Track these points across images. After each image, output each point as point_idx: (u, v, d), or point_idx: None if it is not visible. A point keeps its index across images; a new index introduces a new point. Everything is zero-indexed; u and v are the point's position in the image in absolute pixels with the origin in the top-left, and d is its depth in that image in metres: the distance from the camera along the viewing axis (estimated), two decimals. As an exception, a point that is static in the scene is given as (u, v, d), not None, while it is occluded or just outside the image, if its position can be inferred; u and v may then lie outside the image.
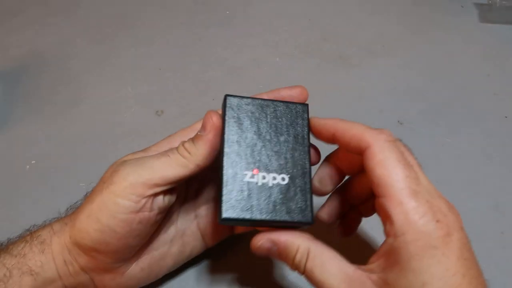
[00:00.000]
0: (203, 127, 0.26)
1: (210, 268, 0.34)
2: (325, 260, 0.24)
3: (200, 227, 0.31)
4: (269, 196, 0.25)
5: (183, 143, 0.27)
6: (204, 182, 0.31)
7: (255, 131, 0.26)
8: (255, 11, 0.58)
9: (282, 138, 0.26)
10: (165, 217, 0.29)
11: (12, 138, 0.43)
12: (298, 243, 0.24)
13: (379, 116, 0.46)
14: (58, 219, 0.29)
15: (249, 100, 0.27)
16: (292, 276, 0.33)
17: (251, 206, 0.24)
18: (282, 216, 0.24)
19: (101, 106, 0.46)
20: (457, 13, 0.59)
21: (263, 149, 0.26)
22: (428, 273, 0.20)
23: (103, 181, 0.26)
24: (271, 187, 0.25)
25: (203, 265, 0.34)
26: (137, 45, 0.53)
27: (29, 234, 0.28)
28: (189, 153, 0.26)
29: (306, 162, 0.26)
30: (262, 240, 0.25)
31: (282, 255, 0.25)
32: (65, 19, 0.56)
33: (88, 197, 0.27)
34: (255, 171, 0.25)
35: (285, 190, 0.25)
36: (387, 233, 0.22)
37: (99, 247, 0.26)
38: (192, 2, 0.60)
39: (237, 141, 0.26)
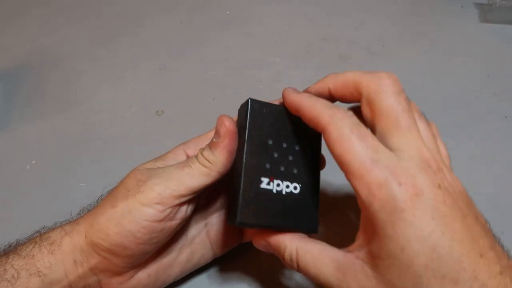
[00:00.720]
0: (217, 134, 0.27)
1: (219, 277, 0.34)
2: (315, 254, 0.24)
3: (209, 236, 0.31)
4: (282, 204, 0.26)
5: (201, 151, 0.27)
6: (214, 190, 0.31)
7: (273, 139, 0.26)
8: (255, 11, 0.58)
9: (297, 148, 0.27)
10: None
11: (13, 138, 0.43)
12: (286, 243, 0.25)
13: (379, 116, 0.45)
14: (70, 221, 0.29)
15: (271, 107, 0.27)
16: (304, 282, 0.33)
17: (266, 212, 0.25)
18: (292, 225, 0.26)
19: (101, 106, 0.46)
20: (457, 13, 0.58)
21: (279, 157, 0.26)
22: (403, 237, 0.20)
23: (126, 189, 0.27)
24: (284, 196, 0.26)
25: (211, 272, 0.33)
26: (137, 45, 0.53)
27: (39, 236, 0.28)
28: (209, 162, 0.26)
29: (317, 175, 0.27)
30: (259, 239, 0.27)
31: (275, 253, 0.26)
32: (66, 19, 0.56)
33: (107, 200, 0.27)
34: (271, 178, 0.26)
35: (297, 199, 0.26)
36: (360, 207, 0.22)
37: (116, 250, 0.26)
38: (192, 2, 0.60)
39: (256, 148, 0.26)
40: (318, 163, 0.27)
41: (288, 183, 0.26)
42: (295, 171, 0.26)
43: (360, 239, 0.23)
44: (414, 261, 0.20)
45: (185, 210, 0.27)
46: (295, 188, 0.26)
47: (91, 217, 0.27)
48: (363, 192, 0.21)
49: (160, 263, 0.29)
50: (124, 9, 0.58)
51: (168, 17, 0.57)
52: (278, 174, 0.26)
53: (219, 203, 0.31)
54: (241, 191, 0.25)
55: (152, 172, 0.27)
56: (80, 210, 0.31)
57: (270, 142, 0.26)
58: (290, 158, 0.26)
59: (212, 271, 0.33)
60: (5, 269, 0.26)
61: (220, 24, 0.56)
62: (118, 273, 0.27)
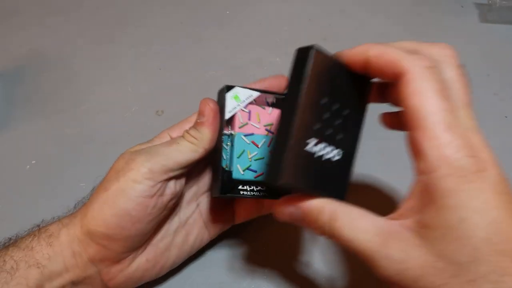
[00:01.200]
0: (201, 114, 0.29)
1: (217, 272, 0.34)
2: (354, 218, 0.22)
3: (202, 215, 0.32)
4: (320, 169, 0.24)
5: (187, 131, 0.29)
6: (203, 171, 0.32)
7: (327, 98, 0.24)
8: (255, 11, 0.58)
9: (345, 113, 0.25)
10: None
11: (12, 138, 0.43)
12: (323, 204, 0.23)
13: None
14: (68, 215, 0.29)
15: (332, 60, 0.24)
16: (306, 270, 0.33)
17: (304, 175, 0.23)
18: (324, 190, 0.24)
19: (101, 106, 0.46)
20: (457, 13, 0.58)
21: (329, 120, 0.24)
22: (465, 208, 0.19)
23: (117, 170, 0.27)
24: (323, 161, 0.24)
25: (206, 258, 0.34)
26: (137, 45, 0.53)
27: (38, 229, 0.28)
28: (196, 139, 0.28)
29: (357, 144, 0.26)
30: (284, 205, 0.25)
31: (305, 218, 0.24)
32: (65, 19, 0.56)
33: (99, 187, 0.28)
34: (318, 140, 0.23)
35: (334, 167, 0.25)
36: (419, 171, 0.21)
37: (113, 233, 0.26)
38: (192, 2, 0.60)
39: (310, 105, 0.23)
40: (360, 133, 0.26)
41: (331, 148, 0.24)
42: (339, 136, 0.25)
43: (406, 207, 0.22)
44: (474, 233, 0.19)
45: (173, 185, 0.28)
46: (335, 155, 0.25)
47: (86, 208, 0.28)
48: (433, 154, 0.20)
49: (157, 247, 0.30)
50: (124, 9, 0.58)
51: (168, 17, 0.57)
52: (325, 138, 0.24)
53: (207, 183, 0.32)
54: (287, 149, 0.22)
55: (140, 151, 0.28)
56: (76, 204, 0.31)
57: (324, 101, 0.23)
58: (338, 122, 0.24)
59: (211, 266, 0.34)
60: (4, 260, 0.26)
61: (220, 24, 0.56)
62: (117, 260, 0.28)
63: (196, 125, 0.29)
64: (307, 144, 0.23)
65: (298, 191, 0.24)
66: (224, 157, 0.29)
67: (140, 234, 0.28)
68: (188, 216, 0.32)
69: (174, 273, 0.33)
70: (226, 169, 0.29)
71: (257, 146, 0.30)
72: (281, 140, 0.23)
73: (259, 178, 0.30)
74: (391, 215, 0.22)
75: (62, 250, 0.27)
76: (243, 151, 0.29)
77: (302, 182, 0.23)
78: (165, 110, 0.46)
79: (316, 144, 0.23)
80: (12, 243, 0.28)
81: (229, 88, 0.30)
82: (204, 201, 0.32)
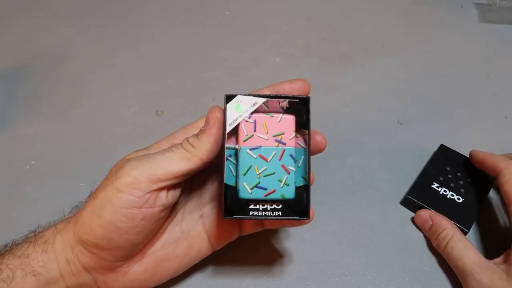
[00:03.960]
0: (207, 122, 0.27)
1: (217, 273, 0.34)
2: (465, 245, 0.32)
3: (205, 228, 0.30)
4: (444, 201, 0.37)
5: (187, 138, 0.27)
6: (207, 180, 0.31)
7: (450, 168, 0.39)
8: (255, 11, 0.58)
9: (468, 180, 0.38)
10: (169, 216, 0.29)
11: (12, 138, 0.43)
12: (447, 226, 0.34)
13: (379, 116, 0.46)
14: (63, 220, 0.29)
15: (455, 154, 0.40)
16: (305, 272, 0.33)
17: (428, 199, 0.37)
18: (449, 216, 0.35)
19: (101, 106, 0.46)
20: (457, 13, 0.59)
21: (452, 178, 0.38)
22: None
23: (107, 178, 0.27)
24: (448, 198, 0.37)
25: (210, 267, 0.34)
26: (137, 45, 0.53)
27: (33, 235, 0.28)
28: (193, 147, 0.26)
29: (480, 200, 0.37)
30: (424, 212, 0.36)
31: (431, 229, 0.35)
32: (65, 19, 0.56)
33: (92, 195, 0.27)
34: (439, 185, 0.38)
35: (458, 204, 0.36)
36: None
37: (101, 243, 0.26)
38: (192, 2, 0.60)
39: (436, 166, 0.39)
40: (483, 196, 0.37)
41: (453, 193, 0.37)
42: (462, 190, 0.37)
43: (501, 259, 0.31)
44: None
45: (165, 196, 0.26)
46: (458, 198, 0.36)
47: (78, 214, 0.27)
48: None
49: (156, 257, 0.29)
50: (124, 9, 0.58)
51: (168, 17, 0.57)
52: (447, 186, 0.37)
53: (212, 194, 0.31)
54: (416, 179, 0.39)
55: (132, 158, 0.27)
56: (71, 209, 0.31)
57: (448, 168, 0.39)
58: (461, 182, 0.38)
59: (211, 266, 0.34)
60: (0, 269, 0.26)
61: (220, 24, 0.56)
62: (111, 268, 0.27)
63: (198, 133, 0.27)
64: (433, 183, 0.38)
65: (425, 208, 0.36)
66: (233, 173, 0.27)
67: (130, 244, 0.26)
68: (190, 228, 0.30)
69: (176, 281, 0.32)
70: (234, 187, 0.26)
71: (265, 160, 0.26)
72: (418, 178, 0.39)
73: (271, 196, 0.26)
74: (491, 260, 0.31)
75: (57, 257, 0.26)
76: (250, 166, 0.26)
77: (423, 201, 0.36)
78: (164, 110, 0.46)
79: (439, 187, 0.37)
80: (8, 250, 0.27)
81: (229, 97, 0.27)
82: (208, 213, 0.30)
